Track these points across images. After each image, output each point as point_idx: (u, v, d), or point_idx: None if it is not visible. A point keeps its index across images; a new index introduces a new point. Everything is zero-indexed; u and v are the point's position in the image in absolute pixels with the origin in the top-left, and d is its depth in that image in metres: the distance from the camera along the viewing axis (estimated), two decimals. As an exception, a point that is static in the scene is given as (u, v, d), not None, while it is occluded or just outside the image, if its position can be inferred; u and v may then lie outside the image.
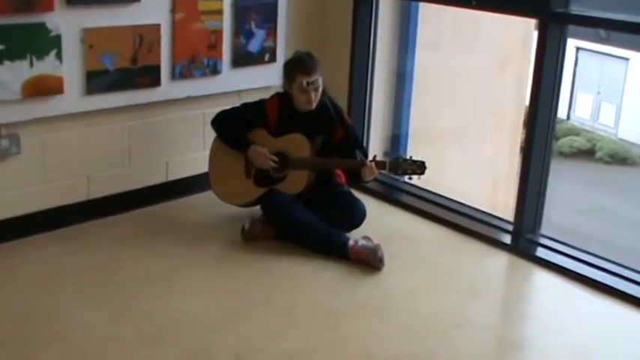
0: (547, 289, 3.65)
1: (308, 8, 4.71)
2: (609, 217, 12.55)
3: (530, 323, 3.35)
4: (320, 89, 3.87)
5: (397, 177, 3.90)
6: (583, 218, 12.19)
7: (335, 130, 3.99)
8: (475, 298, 3.49)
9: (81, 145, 3.92)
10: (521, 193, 4.00)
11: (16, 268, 3.50)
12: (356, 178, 3.98)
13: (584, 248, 3.95)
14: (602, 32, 12.48)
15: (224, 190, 4.04)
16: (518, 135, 6.52)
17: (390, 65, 5.02)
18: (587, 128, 18.31)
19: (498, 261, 3.92)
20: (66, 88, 3.71)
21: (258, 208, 4.01)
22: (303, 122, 3.92)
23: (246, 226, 3.88)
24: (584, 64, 16.41)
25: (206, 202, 4.32)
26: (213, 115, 4.25)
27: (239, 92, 4.49)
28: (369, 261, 3.66)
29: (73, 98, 3.76)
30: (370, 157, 3.90)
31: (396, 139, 5.24)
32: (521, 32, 6.19)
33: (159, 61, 4.03)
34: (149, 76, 4.01)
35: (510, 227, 4.12)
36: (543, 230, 4.08)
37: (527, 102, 6.88)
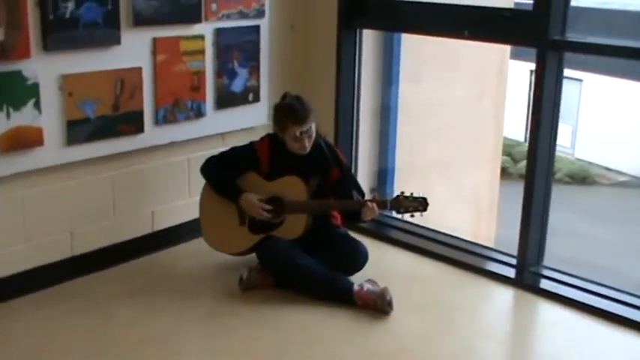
0: (559, 324, 3.51)
1: (290, 44, 4.57)
2: (574, 236, 12.62)
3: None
4: (313, 135, 3.71)
5: (398, 215, 3.73)
6: (549, 239, 12.21)
7: (330, 171, 3.83)
8: (489, 338, 3.36)
9: (63, 199, 3.70)
10: (524, 226, 3.88)
11: (3, 336, 3.23)
12: (354, 219, 3.82)
13: (590, 278, 3.84)
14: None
15: (217, 238, 3.84)
16: (497, 164, 6.47)
17: (375, 99, 4.90)
18: (545, 150, 18.52)
19: (505, 296, 3.80)
20: (46, 139, 3.49)
21: (252, 255, 3.81)
22: (296, 164, 3.76)
23: (244, 275, 3.68)
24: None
25: (195, 251, 4.12)
26: (197, 160, 4.09)
27: (223, 135, 4.31)
28: (376, 306, 3.49)
29: (53, 150, 3.54)
30: (368, 197, 3.74)
31: (383, 174, 5.10)
32: (498, 61, 6.14)
33: (141, 106, 3.83)
34: (132, 123, 3.81)
35: (513, 261, 3.98)
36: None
37: (504, 131, 6.86)
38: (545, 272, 3.92)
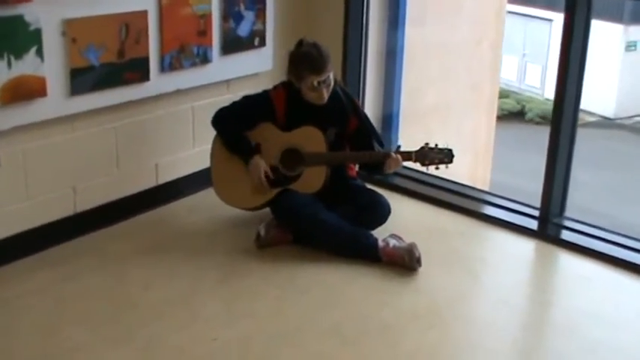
0: (593, 280, 3.40)
1: (297, -15, 4.31)
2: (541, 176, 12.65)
3: (597, 321, 3.07)
4: (332, 84, 3.50)
5: (424, 168, 3.56)
6: (525, 180, 12.23)
7: (348, 121, 3.63)
8: (520, 294, 3.28)
9: (66, 153, 3.45)
10: (548, 178, 3.77)
11: (11, 305, 3.02)
12: (375, 171, 3.64)
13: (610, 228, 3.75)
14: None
15: (231, 193, 3.64)
16: (494, 107, 6.33)
17: (380, 42, 4.67)
18: (515, 90, 18.48)
19: (528, 249, 3.69)
20: (49, 89, 3.22)
21: (264, 210, 3.63)
22: (313, 114, 3.55)
23: (262, 232, 3.49)
24: (508, 26, 16.42)
25: (202, 204, 3.91)
26: (202, 108, 3.91)
27: (228, 82, 4.08)
28: (404, 262, 3.35)
29: (57, 100, 3.28)
30: (393, 148, 3.56)
31: (388, 119, 4.91)
32: (496, 4, 5.94)
33: (147, 52, 3.57)
34: (138, 70, 3.56)
35: (535, 212, 3.86)
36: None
37: (501, 73, 6.70)
38: (568, 223, 3.81)
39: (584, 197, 11.47)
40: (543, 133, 13.65)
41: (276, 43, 4.19)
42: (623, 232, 3.71)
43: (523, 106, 17.51)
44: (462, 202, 4.05)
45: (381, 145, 3.69)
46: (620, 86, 16.97)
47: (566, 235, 3.74)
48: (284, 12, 4.24)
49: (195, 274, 3.27)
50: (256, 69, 4.16)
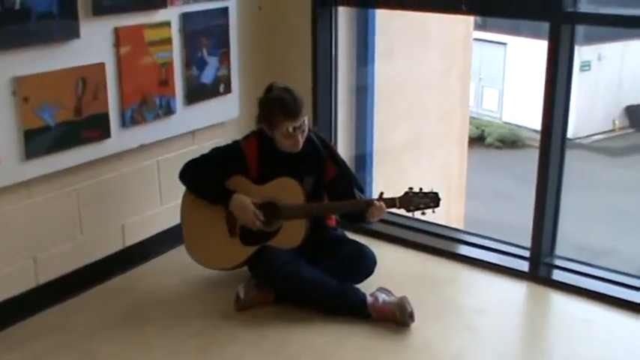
0: (592, 322, 3.21)
1: (262, 26, 4.11)
2: (511, 202, 12.61)
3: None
4: (307, 130, 3.29)
5: (409, 215, 3.35)
6: (488, 206, 12.16)
7: (326, 168, 3.42)
8: (525, 346, 3.11)
9: (23, 222, 3.18)
10: (538, 216, 3.58)
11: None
12: (358, 220, 3.42)
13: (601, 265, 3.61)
14: (478, 19, 12.33)
15: (204, 253, 3.39)
16: (465, 138, 6.18)
17: (350, 80, 4.50)
18: (474, 115, 18.51)
19: (525, 294, 3.51)
20: (1, 154, 2.96)
21: (241, 269, 3.39)
22: (288, 163, 3.33)
23: (241, 294, 3.25)
24: (463, 51, 16.47)
25: (174, 264, 3.66)
26: (167, 163, 3.69)
27: (193, 133, 3.85)
28: (396, 318, 3.13)
29: (10, 166, 3.02)
30: (370, 190, 3.35)
31: (361, 159, 4.73)
32: (463, 32, 5.81)
33: (106, 107, 3.33)
34: (97, 128, 3.31)
35: (525, 252, 3.68)
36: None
37: (470, 102, 6.57)
38: (560, 262, 3.64)
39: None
40: (504, 157, 13.60)
41: (242, 88, 3.98)
42: (616, 269, 3.55)
43: (482, 131, 17.53)
44: (448, 245, 3.86)
45: (361, 190, 3.48)
46: (577, 106, 17.09)
47: (558, 275, 3.57)
48: (249, 55, 4.04)
49: (172, 346, 3.01)
50: (222, 117, 3.95)
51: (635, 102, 17.71)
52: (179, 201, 3.44)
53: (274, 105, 3.24)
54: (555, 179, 3.54)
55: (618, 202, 12.79)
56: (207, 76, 3.79)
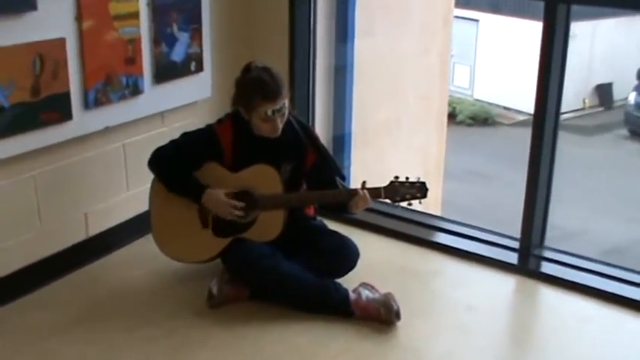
0: (584, 320, 3.04)
1: (236, 0, 3.84)
2: (484, 181, 12.50)
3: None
4: (287, 113, 3.04)
5: (395, 205, 3.13)
6: (462, 185, 12.03)
7: (305, 155, 3.18)
8: (516, 344, 2.95)
9: (-25, 212, 2.90)
10: (528, 206, 3.39)
11: None
12: (339, 211, 3.20)
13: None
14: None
15: (175, 246, 3.14)
16: (444, 120, 5.98)
17: (329, 58, 4.26)
18: (445, 92, 18.36)
19: (515, 288, 3.35)
20: (-50, 139, 2.68)
21: (215, 262, 3.15)
22: (265, 149, 3.09)
23: (214, 290, 3.02)
24: (435, 28, 16.27)
25: (141, 255, 3.42)
26: (134, 146, 3.45)
27: (162, 114, 3.58)
28: (380, 316, 2.93)
29: (-40, 152, 2.73)
30: (358, 184, 3.13)
31: (339, 141, 4.51)
32: (444, 9, 5.58)
33: (67, 87, 3.06)
34: (57, 109, 3.04)
35: (514, 243, 3.49)
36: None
37: (450, 83, 6.36)
38: (550, 254, 3.46)
39: (518, 199, 11.36)
40: (475, 135, 13.44)
41: (214, 66, 3.73)
42: (609, 262, 3.38)
43: (454, 109, 17.36)
44: (431, 235, 3.67)
45: (343, 178, 3.26)
46: (548, 84, 17.03)
47: (549, 268, 3.40)
48: (222, 31, 3.78)
49: (142, 348, 2.78)
50: (194, 97, 3.69)
51: (605, 81, 17.67)
52: (147, 186, 3.19)
53: (253, 86, 2.99)
54: (547, 165, 3.36)
55: (588, 181, 12.74)
56: (178, 54, 3.53)
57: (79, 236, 3.35)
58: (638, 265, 3.36)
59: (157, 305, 3.06)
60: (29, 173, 3.07)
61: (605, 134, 16.04)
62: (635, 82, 15.99)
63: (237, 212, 3.01)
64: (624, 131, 15.56)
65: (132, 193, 3.51)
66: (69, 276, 3.27)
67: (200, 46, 3.63)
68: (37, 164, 3.08)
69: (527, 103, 16.49)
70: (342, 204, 3.10)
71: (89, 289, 3.18)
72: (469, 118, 17.22)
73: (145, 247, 3.38)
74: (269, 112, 2.96)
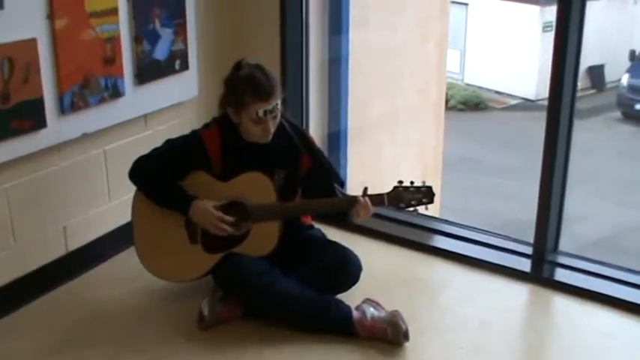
0: (608, 336, 2.80)
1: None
2: (478, 167, 12.30)
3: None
4: (279, 116, 2.79)
5: (399, 211, 2.89)
6: (456, 172, 11.82)
7: (300, 160, 2.93)
8: None
9: (-59, 232, 2.64)
10: (543, 208, 3.16)
11: None
12: (338, 220, 2.96)
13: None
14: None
15: (161, 264, 2.89)
16: (442, 111, 5.73)
17: (322, 51, 4.00)
18: (436, 77, 18.12)
19: (529, 299, 3.13)
20: None
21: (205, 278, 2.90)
22: (256, 155, 2.84)
23: (205, 311, 2.78)
24: (424, 12, 16.02)
25: (124, 270, 3.19)
26: (116, 152, 3.21)
27: (145, 117, 3.33)
28: (387, 337, 2.70)
29: None
30: (355, 182, 2.89)
31: (335, 137, 4.26)
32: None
33: (40, 92, 2.79)
34: (29, 117, 2.78)
35: (528, 249, 3.26)
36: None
37: (446, 73, 6.12)
38: (565, 260, 3.23)
39: (513, 184, 11.15)
40: (467, 120, 13.22)
41: (201, 65, 3.47)
42: (633, 269, 3.15)
43: (445, 93, 17.12)
44: (437, 241, 3.44)
45: (342, 184, 3.01)
46: (540, 67, 16.80)
47: (565, 275, 3.17)
48: (209, 26, 3.52)
49: (126, 379, 2.53)
50: (179, 98, 3.44)
51: (597, 62, 17.46)
52: (131, 195, 2.93)
53: (243, 84, 2.74)
54: (562, 161, 3.12)
55: (581, 165, 12.55)
56: (161, 52, 3.27)
57: (58, 252, 3.11)
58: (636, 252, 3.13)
59: (143, 328, 2.82)
60: (1, 186, 2.81)
61: (597, 117, 15.85)
62: (628, 64, 15.80)
63: (228, 228, 2.76)
64: (617, 114, 15.38)
65: (114, 203, 3.26)
66: (46, 296, 3.02)
67: (185, 42, 3.37)
68: (8, 177, 2.83)
69: (518, 87, 16.35)
70: (342, 213, 2.85)
71: (67, 311, 2.93)
72: (460, 103, 17.02)
73: (129, 261, 3.12)
74: (260, 113, 2.70)
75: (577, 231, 8.58)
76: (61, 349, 2.69)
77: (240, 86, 2.73)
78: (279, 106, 2.77)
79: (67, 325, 2.84)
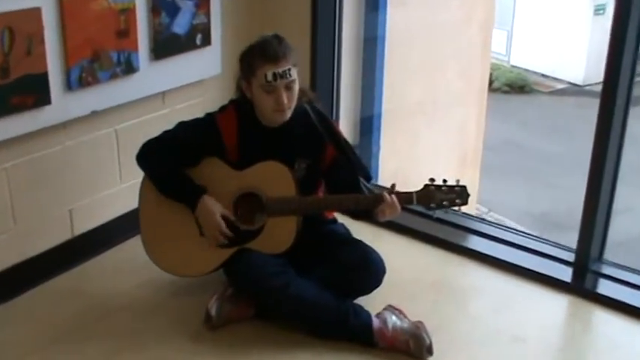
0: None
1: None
2: (520, 151, 11.92)
3: None
4: (295, 88, 2.53)
5: (430, 213, 2.63)
6: (498, 155, 11.47)
7: (323, 150, 2.68)
8: None
9: None
10: (589, 210, 2.88)
11: None
12: (363, 218, 2.71)
13: None
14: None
15: (169, 257, 2.68)
16: (484, 98, 5.42)
17: (357, 30, 3.74)
18: (481, 58, 17.66)
19: (570, 312, 2.85)
20: None
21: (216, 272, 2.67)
22: (275, 142, 2.60)
23: (213, 311, 2.56)
24: (472, -10, 15.57)
25: (132, 260, 2.97)
26: (128, 132, 3.01)
27: (163, 94, 3.11)
28: (409, 350, 2.46)
29: None
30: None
31: (366, 123, 4.01)
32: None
33: (44, 66, 2.58)
34: (32, 92, 2.57)
35: (570, 256, 2.98)
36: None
37: (491, 55, 5.80)
38: (610, 271, 2.95)
39: (555, 171, 10.77)
40: (512, 102, 12.83)
41: (225, 39, 3.23)
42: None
43: (490, 74, 16.69)
44: (470, 241, 3.17)
45: (368, 178, 2.75)
46: (589, 51, 16.27)
47: (609, 288, 2.88)
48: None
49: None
50: (200, 75, 3.22)
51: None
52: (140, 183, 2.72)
53: (254, 49, 2.53)
54: (614, 156, 2.82)
55: (632, 155, 12.09)
56: (181, 25, 3.04)
57: (63, 236, 2.92)
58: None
59: (146, 324, 2.62)
60: (1, 166, 2.61)
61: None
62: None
63: (222, 239, 2.53)
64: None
65: (126, 185, 3.07)
66: (47, 283, 2.85)
67: (208, 15, 3.13)
68: (8, 156, 2.64)
69: (565, 71, 15.83)
70: (366, 211, 2.60)
71: (69, 300, 2.75)
72: (505, 85, 16.59)
73: (139, 248, 2.90)
74: (269, 76, 2.46)
75: (620, 224, 8.25)
76: (60, 341, 2.51)
77: (251, 52, 2.54)
78: (293, 75, 2.51)
79: (66, 316, 2.66)
